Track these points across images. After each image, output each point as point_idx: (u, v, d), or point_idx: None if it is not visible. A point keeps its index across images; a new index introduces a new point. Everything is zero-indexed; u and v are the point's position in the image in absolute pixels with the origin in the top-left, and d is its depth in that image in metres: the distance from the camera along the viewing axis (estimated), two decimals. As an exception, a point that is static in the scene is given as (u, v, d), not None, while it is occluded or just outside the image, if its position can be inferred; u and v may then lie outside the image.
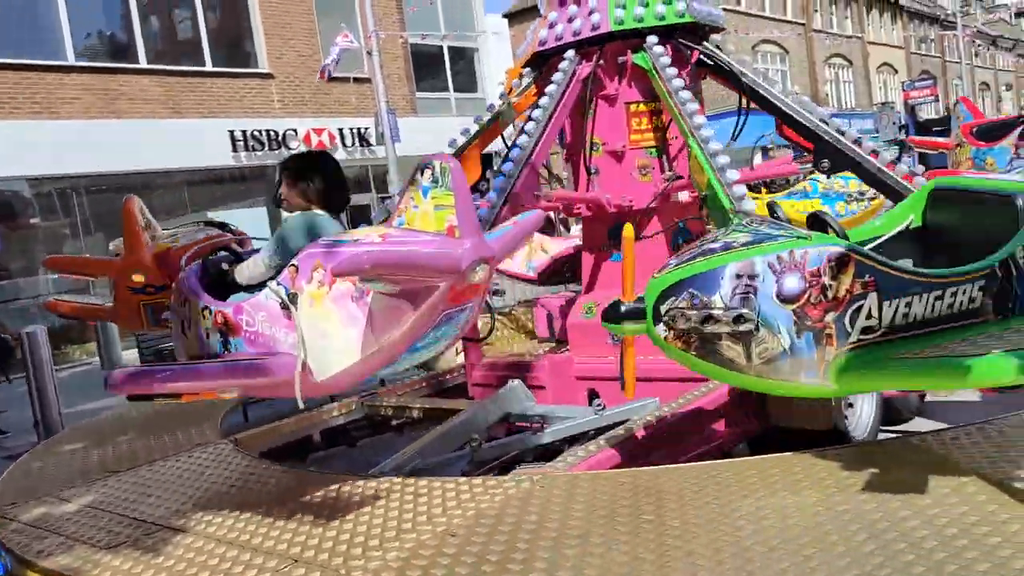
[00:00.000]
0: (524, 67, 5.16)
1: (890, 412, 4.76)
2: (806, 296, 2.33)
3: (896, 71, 39.46)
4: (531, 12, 31.44)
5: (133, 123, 14.40)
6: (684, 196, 4.90)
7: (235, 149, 15.92)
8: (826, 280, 2.34)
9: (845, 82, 36.10)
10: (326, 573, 2.32)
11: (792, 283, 2.34)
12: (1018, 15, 57.71)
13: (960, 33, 35.87)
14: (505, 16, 37.00)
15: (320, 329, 2.64)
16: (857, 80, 36.60)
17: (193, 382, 2.97)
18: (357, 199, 16.79)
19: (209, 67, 16.03)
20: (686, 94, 4.39)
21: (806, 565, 2.01)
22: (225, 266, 3.24)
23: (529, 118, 4.67)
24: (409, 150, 14.98)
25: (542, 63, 5.06)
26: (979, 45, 44.85)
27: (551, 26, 4.89)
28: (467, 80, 21.84)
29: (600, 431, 3.68)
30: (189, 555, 2.63)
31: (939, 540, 2.04)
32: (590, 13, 4.70)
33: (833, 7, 35.65)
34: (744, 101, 4.80)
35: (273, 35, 16.85)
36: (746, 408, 4.10)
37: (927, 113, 31.85)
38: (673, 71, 4.48)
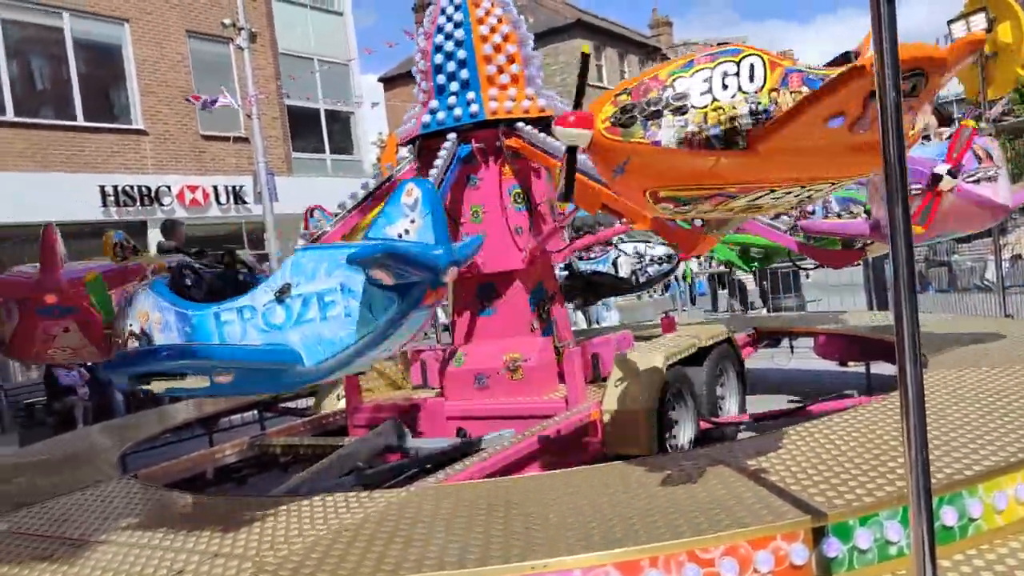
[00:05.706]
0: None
1: (707, 439, 5.67)
2: None
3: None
4: (405, 77, 32.60)
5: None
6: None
7: (104, 204, 15.84)
8: None
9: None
10: (243, 562, 2.87)
11: None
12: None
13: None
14: (380, 80, 38.04)
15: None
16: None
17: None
18: (232, 256, 16.85)
19: (81, 121, 15.97)
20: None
21: (589, 526, 2.77)
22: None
23: None
24: (285, 208, 15.32)
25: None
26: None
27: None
28: (343, 141, 22.48)
29: (464, 456, 4.37)
30: (116, 560, 3.09)
31: (675, 509, 2.84)
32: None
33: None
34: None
35: (148, 93, 17.01)
36: (587, 437, 4.91)
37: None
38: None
